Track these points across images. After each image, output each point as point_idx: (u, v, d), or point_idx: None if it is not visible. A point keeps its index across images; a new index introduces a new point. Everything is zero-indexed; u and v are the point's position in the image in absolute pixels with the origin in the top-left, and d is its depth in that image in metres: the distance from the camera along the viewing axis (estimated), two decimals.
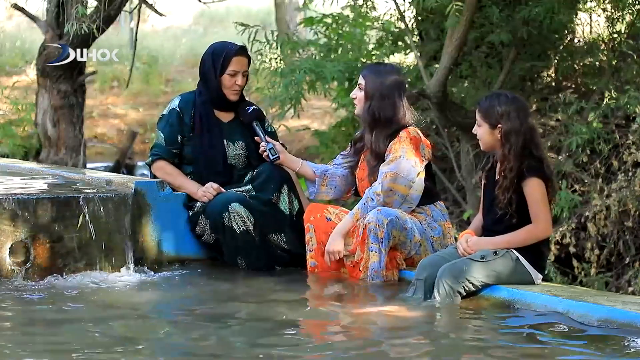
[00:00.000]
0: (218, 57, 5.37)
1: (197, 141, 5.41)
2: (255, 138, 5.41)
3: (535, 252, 4.58)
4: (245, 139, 5.46)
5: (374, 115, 5.09)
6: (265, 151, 5.32)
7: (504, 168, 4.54)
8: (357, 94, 5.16)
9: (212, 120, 5.44)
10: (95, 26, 7.92)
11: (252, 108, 5.48)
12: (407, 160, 4.99)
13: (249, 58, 5.48)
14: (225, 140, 5.43)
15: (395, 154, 5.00)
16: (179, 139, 5.42)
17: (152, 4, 9.87)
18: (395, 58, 10.35)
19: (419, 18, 9.59)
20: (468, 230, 4.74)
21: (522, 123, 4.56)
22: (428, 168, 5.14)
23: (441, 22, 8.57)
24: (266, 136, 5.38)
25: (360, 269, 4.93)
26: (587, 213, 8.09)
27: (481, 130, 4.63)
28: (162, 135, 5.44)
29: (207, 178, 5.37)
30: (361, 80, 5.16)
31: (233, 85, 5.38)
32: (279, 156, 5.31)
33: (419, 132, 5.12)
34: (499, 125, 4.56)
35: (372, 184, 5.02)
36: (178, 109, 5.44)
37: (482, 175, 4.78)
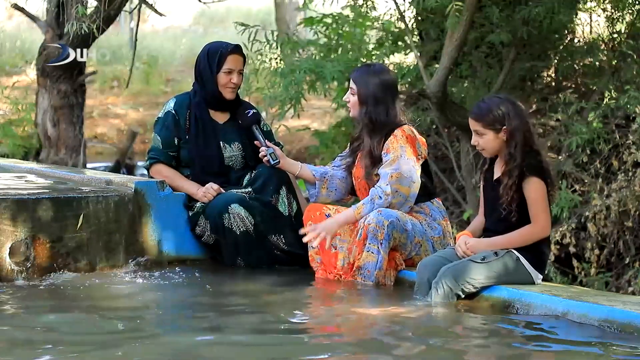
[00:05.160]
0: (213, 56, 5.39)
1: (193, 143, 5.41)
2: (255, 142, 5.40)
3: (535, 252, 4.58)
4: (241, 139, 5.46)
5: (372, 120, 5.08)
6: (265, 156, 5.32)
7: (510, 167, 4.54)
8: (350, 98, 5.15)
9: (207, 122, 5.44)
10: (95, 26, 7.92)
11: (251, 112, 5.48)
12: (407, 160, 4.99)
13: (244, 57, 5.50)
14: (221, 142, 5.43)
15: (395, 153, 4.99)
16: (176, 142, 5.43)
17: (152, 4, 9.87)
18: (395, 58, 10.35)
19: (419, 18, 9.59)
20: (465, 231, 4.73)
21: (521, 119, 4.57)
22: (424, 165, 5.13)
23: (441, 22, 8.57)
24: (266, 140, 5.37)
25: (354, 268, 4.92)
26: (587, 213, 8.09)
27: (485, 139, 4.61)
28: (158, 138, 5.44)
29: (204, 180, 5.37)
30: (352, 85, 5.15)
31: (228, 83, 5.39)
32: (279, 161, 5.31)
33: (414, 130, 5.12)
34: (504, 127, 4.55)
35: (378, 184, 4.99)
36: (173, 112, 5.44)
37: (481, 177, 4.79)
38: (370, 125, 5.09)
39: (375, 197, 4.95)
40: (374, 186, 5.00)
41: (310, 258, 5.13)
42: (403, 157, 4.98)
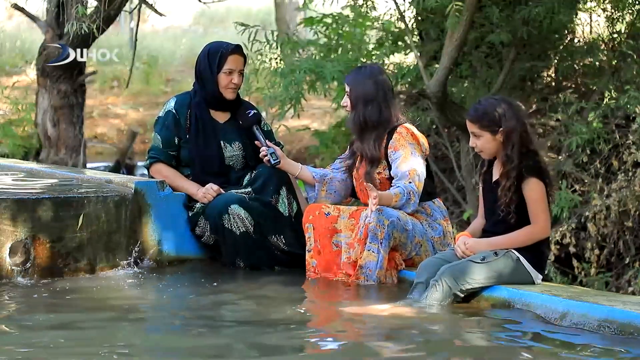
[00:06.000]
0: (214, 56, 5.38)
1: (193, 143, 5.41)
2: (256, 142, 5.40)
3: (535, 252, 4.58)
4: (242, 139, 5.46)
5: (361, 123, 5.09)
6: (266, 156, 5.31)
7: (507, 169, 4.53)
8: (347, 102, 5.17)
9: (207, 122, 5.44)
10: (95, 26, 7.92)
11: (252, 112, 5.48)
12: (417, 157, 5.00)
13: (245, 57, 5.49)
14: (222, 142, 5.43)
15: (405, 150, 5.00)
16: (176, 141, 5.43)
17: (152, 4, 9.87)
18: (395, 58, 10.35)
19: (419, 18, 9.59)
20: (465, 232, 4.73)
21: (518, 119, 4.56)
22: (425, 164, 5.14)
23: (441, 22, 8.57)
24: (267, 140, 5.37)
25: (357, 267, 4.92)
26: (587, 213, 8.09)
27: (482, 141, 4.60)
28: (159, 137, 5.44)
29: (204, 180, 5.36)
30: (346, 88, 5.17)
31: (229, 84, 5.39)
32: (279, 161, 5.30)
33: (414, 128, 5.13)
34: (500, 129, 4.55)
35: (402, 182, 4.93)
36: (174, 111, 5.44)
37: (479, 179, 4.79)
38: (359, 128, 5.09)
39: (412, 196, 4.92)
40: (392, 184, 4.99)
41: (306, 262, 5.12)
42: (414, 154, 5.00)
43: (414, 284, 4.62)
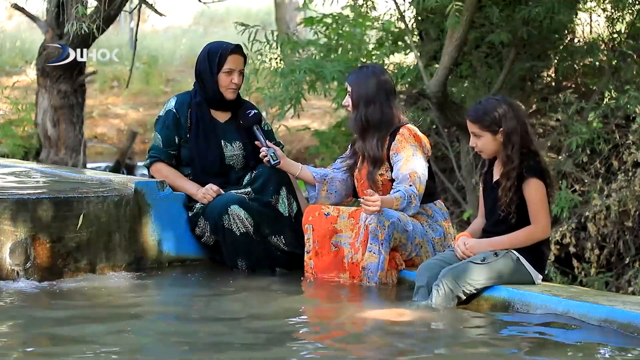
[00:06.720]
0: (214, 56, 5.38)
1: (194, 142, 5.41)
2: (256, 143, 5.39)
3: (535, 253, 4.58)
4: (242, 139, 5.45)
5: (362, 124, 5.08)
6: (266, 156, 5.30)
7: (507, 169, 4.53)
8: (348, 102, 5.17)
9: (208, 121, 5.44)
10: (95, 26, 7.92)
11: (252, 112, 5.47)
12: (419, 159, 4.99)
13: (245, 57, 5.49)
14: (222, 141, 5.43)
15: (406, 152, 4.99)
16: (176, 141, 5.42)
17: (152, 4, 9.87)
18: (395, 58, 10.35)
19: (419, 18, 9.59)
20: (465, 232, 4.73)
21: (518, 120, 4.56)
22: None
23: (441, 22, 8.57)
24: (267, 141, 5.36)
25: (360, 268, 4.92)
26: (587, 213, 8.09)
27: (483, 141, 4.60)
28: (159, 137, 5.43)
29: (204, 179, 5.36)
30: (348, 88, 5.17)
31: (229, 84, 5.38)
32: (279, 161, 5.29)
33: (417, 128, 5.13)
34: (501, 129, 4.55)
35: (403, 185, 4.93)
36: (174, 110, 5.43)
37: (480, 179, 4.79)
38: (361, 129, 5.09)
39: (413, 199, 4.91)
40: (393, 187, 4.98)
41: (305, 263, 5.12)
42: (416, 156, 4.98)
43: (416, 288, 4.61)
